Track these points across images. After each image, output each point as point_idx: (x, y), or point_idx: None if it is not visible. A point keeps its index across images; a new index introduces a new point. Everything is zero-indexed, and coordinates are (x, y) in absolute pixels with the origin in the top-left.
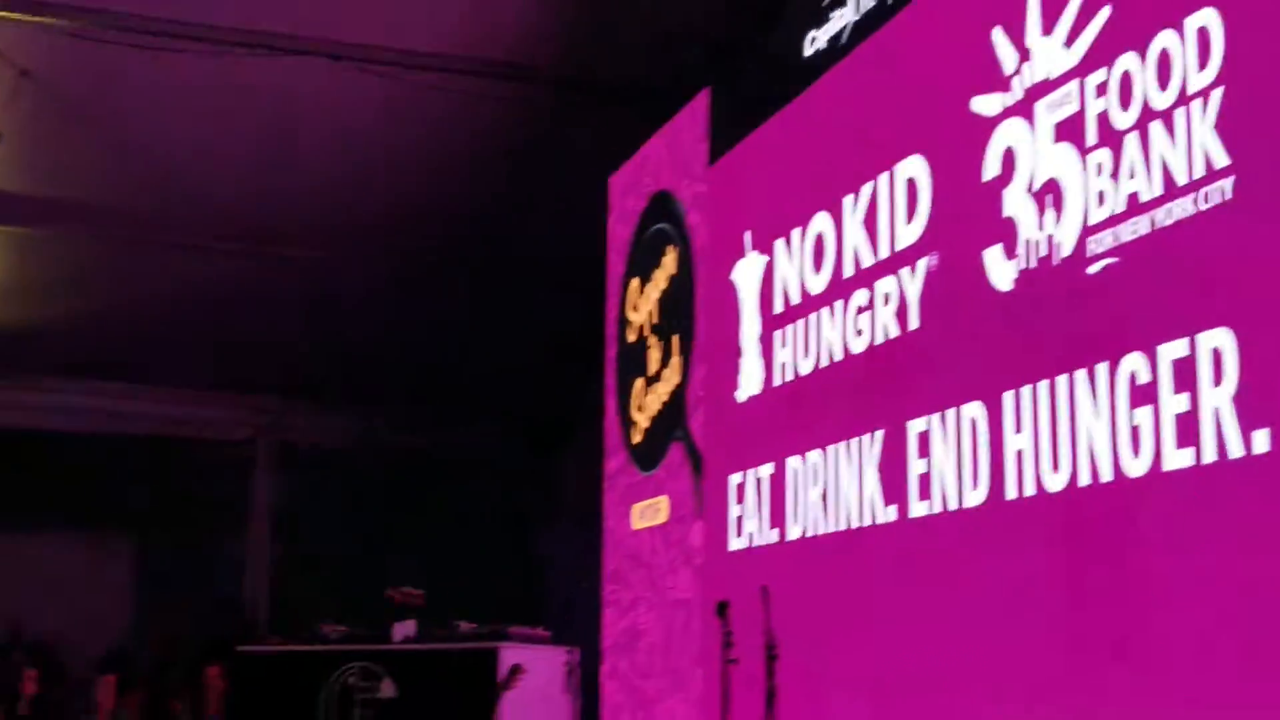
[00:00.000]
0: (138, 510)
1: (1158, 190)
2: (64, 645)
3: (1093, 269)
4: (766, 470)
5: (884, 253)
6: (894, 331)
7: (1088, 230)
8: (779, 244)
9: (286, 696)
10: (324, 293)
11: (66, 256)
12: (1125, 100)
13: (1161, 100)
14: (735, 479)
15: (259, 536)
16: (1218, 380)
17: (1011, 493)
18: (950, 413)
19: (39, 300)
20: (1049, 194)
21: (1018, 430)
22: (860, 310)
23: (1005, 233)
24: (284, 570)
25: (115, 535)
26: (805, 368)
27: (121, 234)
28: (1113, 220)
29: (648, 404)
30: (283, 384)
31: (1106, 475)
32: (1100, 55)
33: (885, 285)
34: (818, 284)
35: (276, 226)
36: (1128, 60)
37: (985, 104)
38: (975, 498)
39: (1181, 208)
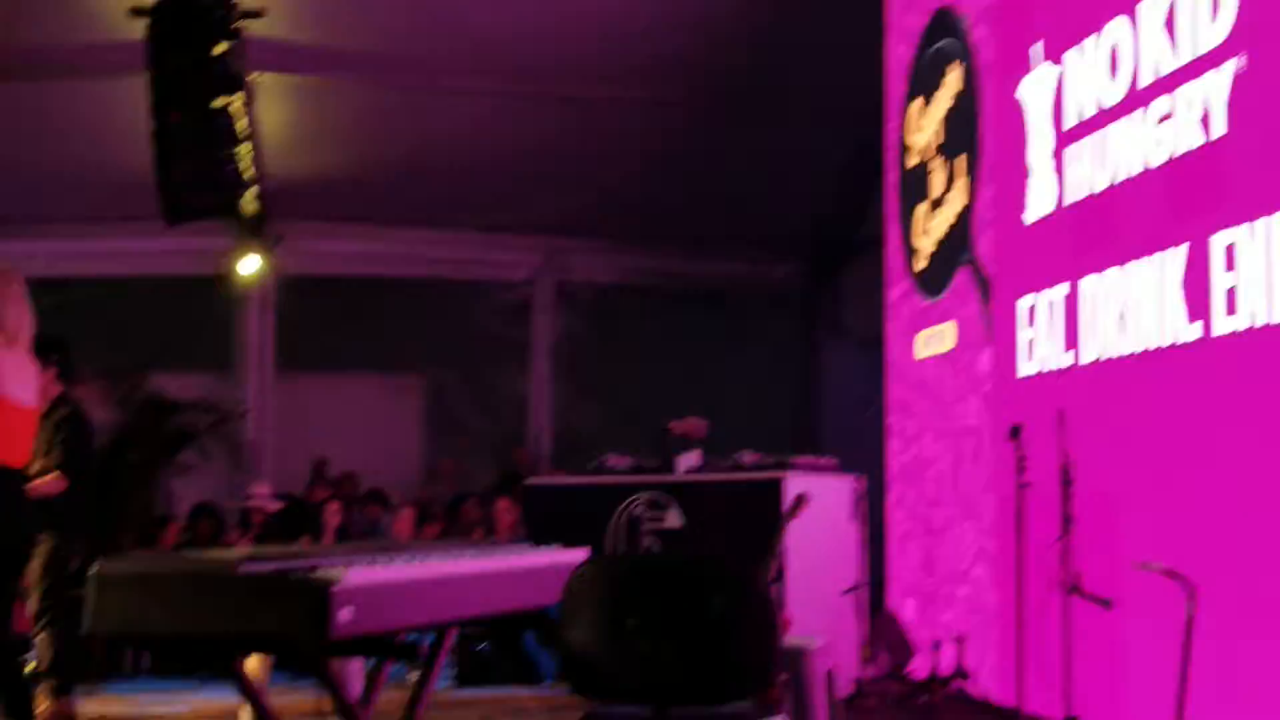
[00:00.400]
0: (427, 350)
1: None
2: (364, 480)
3: None
4: (1059, 292)
5: (1186, 57)
6: (1198, 141)
7: None
8: (1071, 54)
9: (574, 527)
10: (605, 131)
11: (354, 104)
12: None
13: None
14: (1025, 302)
15: (542, 372)
16: None
17: None
18: (1260, 223)
19: (329, 148)
20: None
21: None
22: (1161, 120)
23: None
24: (566, 405)
25: (408, 375)
26: (1100, 184)
27: (408, 81)
28: None
29: (932, 229)
30: (563, 223)
31: None
32: None
33: (1188, 92)
34: (1113, 94)
35: (559, 68)
36: None
37: None
38: None
39: None
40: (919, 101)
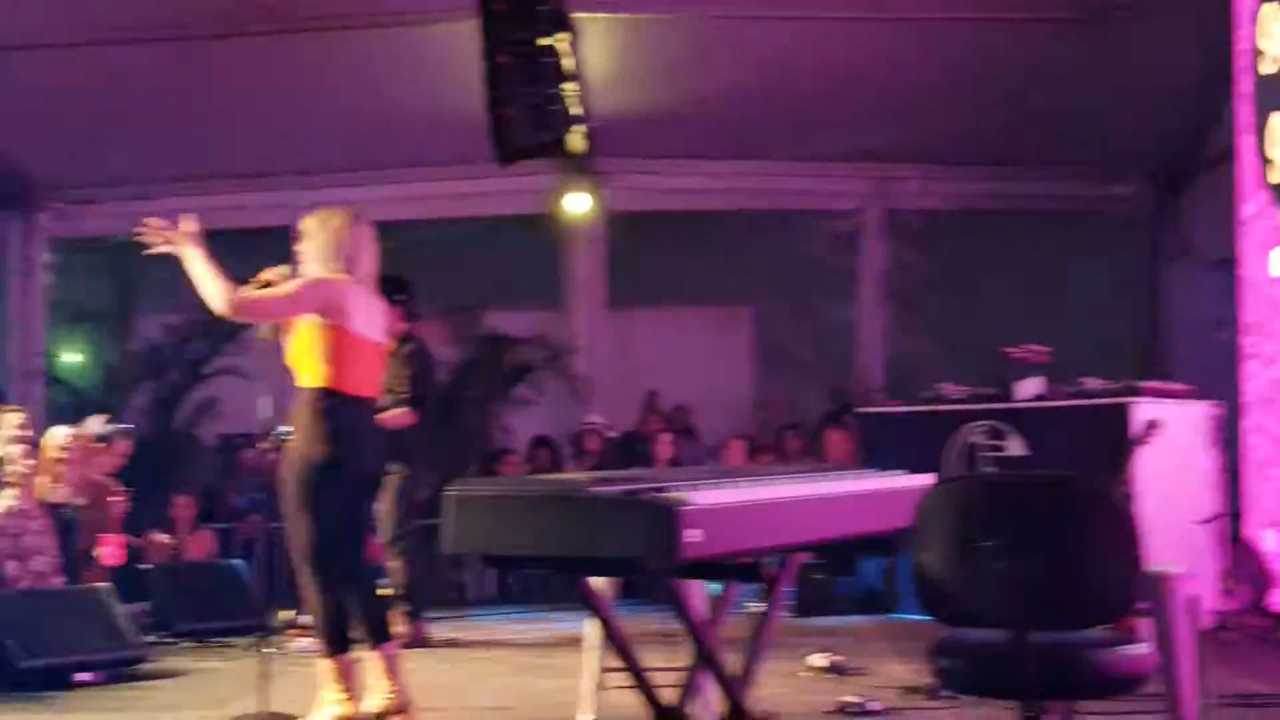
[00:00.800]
0: (756, 282)
1: None
2: (695, 412)
3: None
4: None
5: None
6: None
7: None
8: None
9: (909, 456)
10: (932, 53)
11: (676, 39)
12: None
13: None
14: None
15: (871, 301)
16: None
17: None
18: None
19: (653, 84)
20: None
21: None
22: None
23: None
24: (897, 333)
25: (736, 307)
26: None
27: (729, 11)
28: None
29: None
30: (891, 149)
31: None
32: None
33: None
34: None
35: None
36: None
37: None
38: None
39: None
40: (1273, 4)
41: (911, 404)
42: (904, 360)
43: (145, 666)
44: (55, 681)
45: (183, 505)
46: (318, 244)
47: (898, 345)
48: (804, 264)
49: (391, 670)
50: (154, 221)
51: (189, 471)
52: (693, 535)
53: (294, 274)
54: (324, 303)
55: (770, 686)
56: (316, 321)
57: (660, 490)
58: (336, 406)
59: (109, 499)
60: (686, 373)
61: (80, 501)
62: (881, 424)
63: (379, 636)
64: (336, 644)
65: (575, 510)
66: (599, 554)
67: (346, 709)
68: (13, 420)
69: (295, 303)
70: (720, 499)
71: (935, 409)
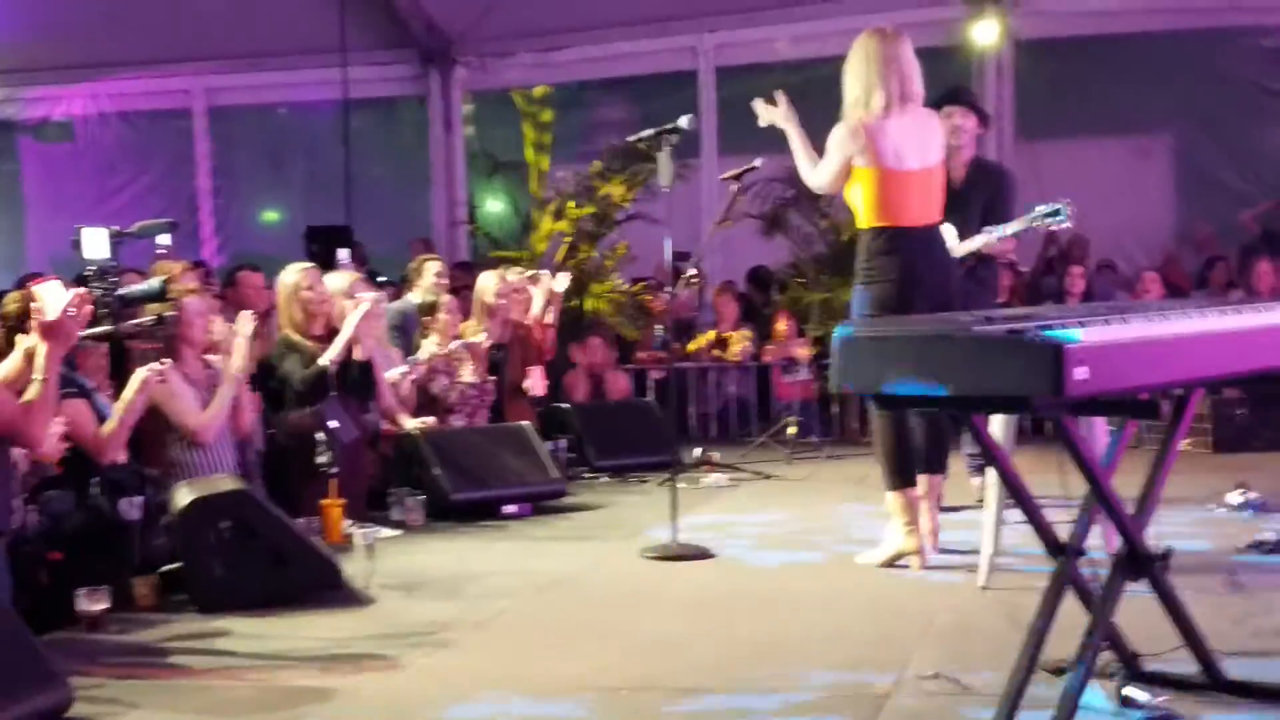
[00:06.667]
0: (1174, 108)
1: None
2: (1109, 248)
3: None
4: None
5: None
6: None
7: None
8: None
9: None
10: None
11: None
12: None
13: None
14: None
15: None
16: None
17: None
18: None
19: None
20: None
21: None
22: None
23: None
24: None
25: (1153, 135)
26: None
27: None
28: None
29: None
30: None
31: None
32: None
33: None
34: None
35: None
36: None
37: None
38: None
39: None
40: None
41: None
42: None
43: (566, 499)
44: (484, 513)
45: (597, 346)
46: (854, 73)
47: None
48: (1230, 86)
49: (929, 504)
50: (758, 103)
51: (603, 312)
52: (1080, 373)
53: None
54: (856, 148)
55: (1180, 524)
56: (857, 166)
57: (1044, 328)
58: (894, 243)
59: (536, 338)
60: (1102, 206)
61: (506, 341)
62: None
63: (930, 467)
64: (898, 476)
65: (960, 350)
66: (986, 393)
67: (910, 543)
68: (433, 269)
69: (839, 166)
70: (1109, 335)
71: None
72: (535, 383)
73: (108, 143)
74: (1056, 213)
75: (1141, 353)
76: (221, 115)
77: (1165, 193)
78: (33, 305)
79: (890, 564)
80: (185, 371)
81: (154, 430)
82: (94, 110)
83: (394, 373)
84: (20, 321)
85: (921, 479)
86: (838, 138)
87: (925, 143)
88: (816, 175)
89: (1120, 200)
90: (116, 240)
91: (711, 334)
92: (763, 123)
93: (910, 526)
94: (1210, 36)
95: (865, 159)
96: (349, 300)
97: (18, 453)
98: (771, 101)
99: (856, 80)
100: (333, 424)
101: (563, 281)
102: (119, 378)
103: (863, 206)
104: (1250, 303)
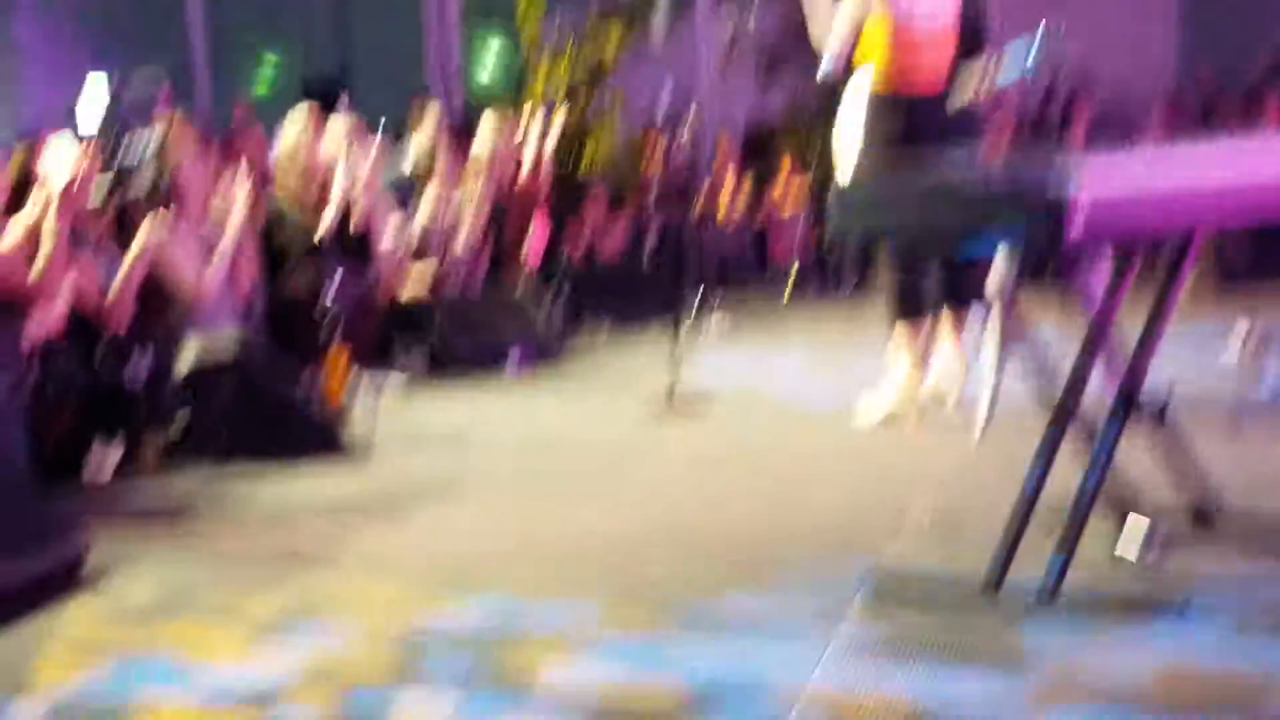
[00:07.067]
0: None
1: None
2: (1114, 81)
3: None
4: None
5: None
6: None
7: None
8: None
9: None
10: None
11: None
12: None
13: None
14: None
15: None
16: None
17: None
18: None
19: None
20: None
21: None
22: None
23: None
24: None
25: None
26: None
27: None
28: None
29: None
30: None
31: None
32: None
33: None
34: None
35: None
36: None
37: None
38: None
39: None
40: None
41: None
42: None
43: (567, 355)
44: (486, 368)
45: (597, 197)
46: None
47: None
48: None
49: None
50: None
51: (600, 162)
52: (1079, 221)
53: None
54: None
55: (1183, 363)
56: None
57: (1043, 179)
58: (892, 107)
59: (534, 200)
60: (1102, 38)
61: (504, 198)
62: None
63: (953, 295)
64: (905, 306)
65: (959, 203)
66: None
67: (912, 377)
68: (434, 113)
69: (853, 22)
70: (1108, 179)
71: None
72: (533, 248)
73: None
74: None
75: (1143, 195)
76: None
77: (1169, 28)
78: (41, 166)
79: (888, 422)
80: (184, 232)
81: (154, 293)
82: None
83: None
84: (28, 180)
85: (944, 314)
86: None
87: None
88: (830, 32)
89: (1121, 39)
90: (114, 101)
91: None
92: None
93: (914, 367)
94: None
95: (878, 5)
96: (348, 147)
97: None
98: None
99: None
100: (335, 281)
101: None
102: (119, 242)
103: (873, 66)
104: (1254, 138)
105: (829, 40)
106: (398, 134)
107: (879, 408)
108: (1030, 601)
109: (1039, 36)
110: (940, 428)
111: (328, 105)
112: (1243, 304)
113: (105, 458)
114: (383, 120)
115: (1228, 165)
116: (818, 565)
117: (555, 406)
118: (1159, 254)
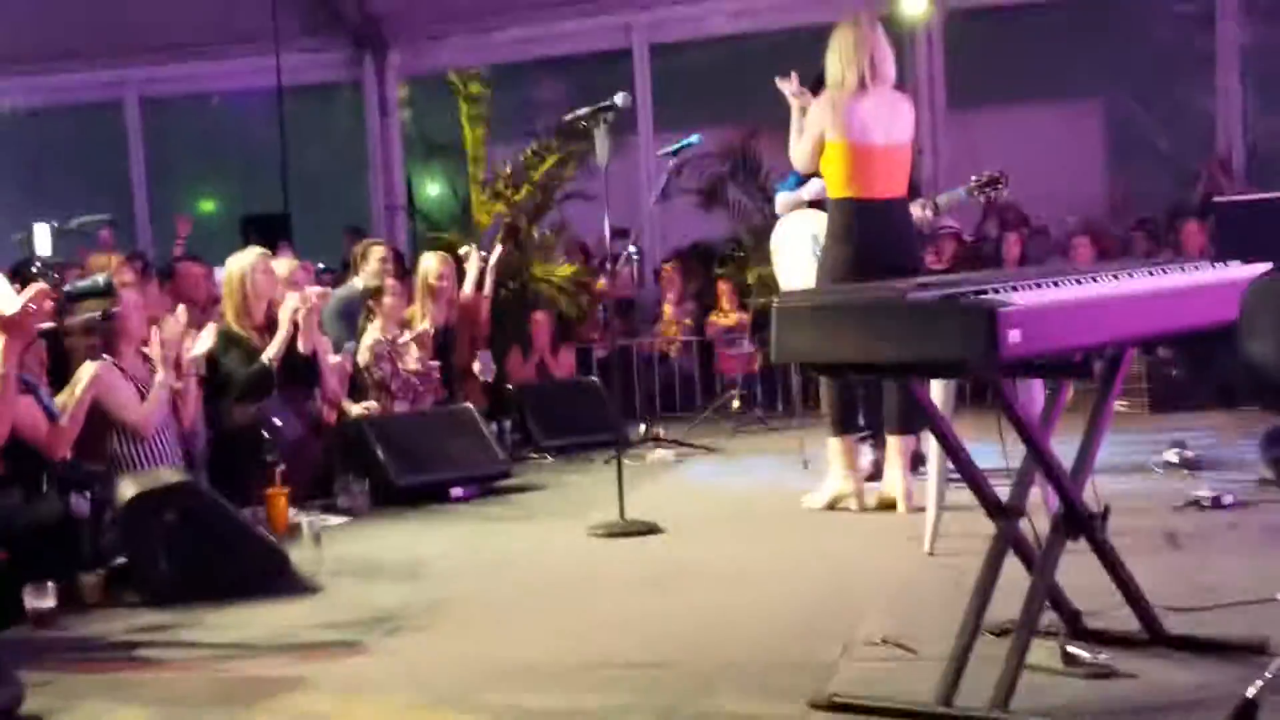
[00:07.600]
0: (1104, 72)
1: None
2: (1043, 212)
3: None
4: None
5: None
6: None
7: None
8: None
9: (1271, 248)
10: None
11: None
12: None
13: None
14: None
15: (1229, 86)
16: None
17: None
18: None
19: None
20: None
21: None
22: None
23: None
24: (1257, 119)
25: (1084, 100)
26: None
27: None
28: None
29: None
30: None
31: None
32: None
33: None
34: None
35: None
36: None
37: None
38: None
39: None
40: None
41: (1275, 192)
42: (1267, 148)
43: (513, 480)
44: (431, 497)
45: (541, 323)
46: (832, 57)
47: (1258, 131)
48: (1156, 49)
49: (901, 464)
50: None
51: (544, 293)
52: (1014, 336)
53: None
54: (829, 123)
55: (1121, 483)
56: (829, 139)
57: (980, 293)
58: (857, 213)
59: (478, 317)
60: (1035, 171)
61: (452, 324)
62: (1240, 214)
63: (898, 425)
64: (840, 425)
65: (896, 317)
66: (922, 358)
67: (847, 486)
68: (377, 253)
69: (814, 141)
70: (1041, 298)
71: None
72: (483, 365)
73: (40, 137)
74: (995, 183)
75: (1072, 314)
76: (154, 106)
77: (1096, 157)
78: None
79: (831, 506)
80: (124, 366)
81: (94, 425)
82: (24, 104)
83: (334, 358)
84: None
85: (893, 440)
86: (814, 113)
87: (893, 121)
88: (797, 149)
89: (1053, 166)
90: (57, 236)
91: (670, 318)
92: (784, 89)
93: (849, 471)
94: (1135, 1)
95: (835, 133)
96: (290, 290)
97: None
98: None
99: (834, 63)
100: (277, 422)
101: (493, 255)
102: (56, 374)
103: (833, 178)
104: (1174, 264)
105: (798, 155)
106: (344, 268)
107: (823, 494)
108: (981, 714)
109: (970, 185)
110: (890, 537)
111: (269, 244)
112: (1174, 431)
113: (43, 592)
114: (320, 266)
115: (1150, 283)
116: (768, 685)
117: (504, 530)
118: (1090, 371)
